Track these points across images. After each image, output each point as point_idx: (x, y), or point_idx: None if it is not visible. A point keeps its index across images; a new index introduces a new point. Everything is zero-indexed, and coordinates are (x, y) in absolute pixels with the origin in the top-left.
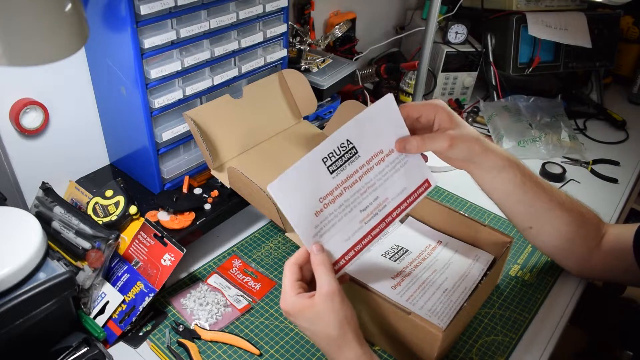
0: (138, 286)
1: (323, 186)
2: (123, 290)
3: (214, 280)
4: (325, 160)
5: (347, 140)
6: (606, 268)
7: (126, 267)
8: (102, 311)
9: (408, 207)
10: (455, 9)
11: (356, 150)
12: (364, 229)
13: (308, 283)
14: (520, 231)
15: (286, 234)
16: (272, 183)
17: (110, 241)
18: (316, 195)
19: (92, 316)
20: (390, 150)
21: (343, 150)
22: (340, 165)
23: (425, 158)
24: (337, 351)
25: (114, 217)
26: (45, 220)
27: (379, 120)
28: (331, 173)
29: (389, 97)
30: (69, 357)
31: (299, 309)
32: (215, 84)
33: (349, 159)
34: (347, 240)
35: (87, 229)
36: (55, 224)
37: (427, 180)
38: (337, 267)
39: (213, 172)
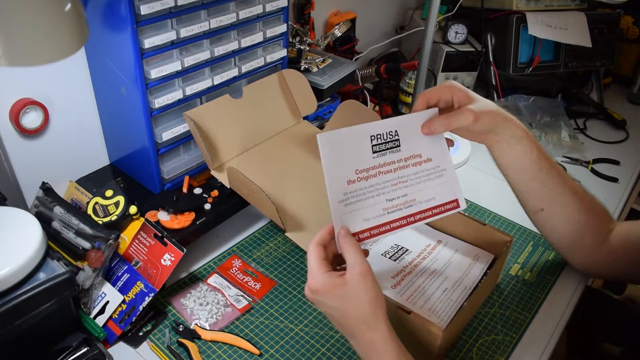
0: (138, 286)
1: (363, 160)
2: (123, 290)
3: (214, 280)
4: (372, 138)
5: (395, 131)
6: (611, 263)
7: (126, 267)
8: (102, 311)
9: (432, 217)
10: (455, 8)
11: (399, 143)
12: (385, 217)
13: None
14: (531, 215)
15: (286, 234)
16: (323, 133)
17: (110, 241)
18: (354, 165)
19: (92, 316)
20: (428, 159)
21: (389, 138)
22: (383, 150)
23: (451, 142)
24: (365, 330)
25: (114, 217)
26: (45, 220)
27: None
28: (373, 152)
29: (436, 110)
30: (69, 357)
31: (330, 286)
32: (215, 84)
33: (391, 147)
34: (367, 220)
35: (87, 229)
36: (55, 224)
37: (456, 200)
38: None
39: (213, 172)
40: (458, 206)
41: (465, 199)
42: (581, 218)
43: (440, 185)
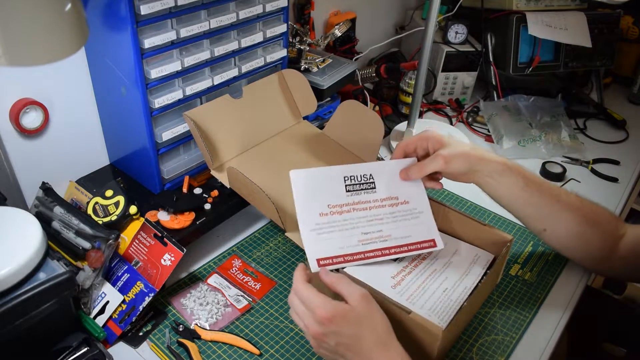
0: (138, 286)
1: (336, 197)
2: (123, 290)
3: (214, 280)
4: (346, 178)
5: (370, 175)
6: (625, 268)
7: (126, 267)
8: (102, 311)
9: (408, 252)
10: (455, 8)
11: (374, 186)
12: (359, 247)
13: None
14: (536, 235)
15: (286, 234)
16: (296, 170)
17: (110, 241)
18: (327, 200)
19: (92, 316)
20: (405, 201)
21: (364, 180)
22: (357, 190)
23: (440, 185)
24: (382, 352)
25: (114, 217)
26: (45, 220)
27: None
28: (347, 191)
29: (413, 159)
30: (69, 357)
31: (342, 313)
32: (215, 84)
33: (366, 188)
34: (341, 248)
35: (87, 229)
36: (55, 224)
37: (433, 240)
38: (323, 263)
39: (213, 172)
40: (435, 245)
41: (465, 198)
42: (584, 230)
43: (416, 225)
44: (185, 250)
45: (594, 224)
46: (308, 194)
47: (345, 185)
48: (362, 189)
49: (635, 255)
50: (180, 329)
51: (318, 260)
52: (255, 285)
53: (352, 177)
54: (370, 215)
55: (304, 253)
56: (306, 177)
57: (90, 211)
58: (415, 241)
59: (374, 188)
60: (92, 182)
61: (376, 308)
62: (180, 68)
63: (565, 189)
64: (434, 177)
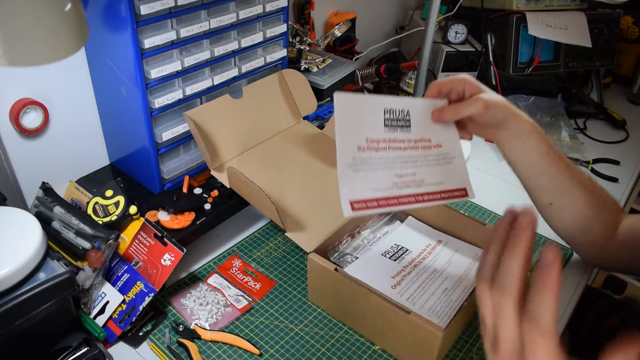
0: (138, 286)
1: (374, 130)
2: (123, 290)
3: (214, 280)
4: (386, 111)
5: (407, 111)
6: (618, 256)
7: (126, 267)
8: (102, 311)
9: (440, 200)
10: (455, 8)
11: (410, 124)
12: (394, 191)
13: None
14: (540, 210)
15: (286, 234)
16: (341, 93)
17: (110, 241)
18: (366, 133)
19: (92, 316)
20: (438, 144)
21: (401, 115)
22: (394, 125)
23: (471, 136)
24: None
25: (114, 217)
26: (45, 220)
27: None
28: (385, 125)
29: (445, 101)
30: (69, 357)
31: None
32: (215, 84)
33: (402, 126)
34: (375, 190)
35: (87, 229)
36: (55, 224)
37: (465, 189)
38: (357, 207)
39: (213, 172)
40: (466, 195)
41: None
42: (590, 213)
43: (449, 171)
44: (185, 250)
45: (600, 208)
46: (350, 122)
47: (384, 119)
48: (398, 125)
49: (629, 245)
50: (180, 329)
51: (352, 203)
52: (255, 285)
53: (392, 111)
54: (404, 156)
55: (302, 250)
56: (350, 103)
57: (90, 211)
58: (448, 189)
59: (409, 127)
60: (92, 182)
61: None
62: (180, 68)
63: (580, 168)
64: (462, 125)
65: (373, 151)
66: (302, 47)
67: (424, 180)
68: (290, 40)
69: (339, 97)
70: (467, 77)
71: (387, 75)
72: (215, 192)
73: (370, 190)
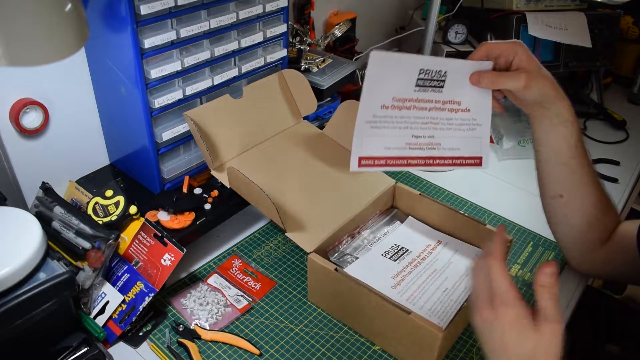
0: (138, 286)
1: (404, 90)
2: (123, 290)
3: (214, 280)
4: (421, 71)
5: (445, 72)
6: (607, 263)
7: (126, 267)
8: (102, 311)
9: (451, 166)
10: (455, 8)
11: (443, 85)
12: (406, 151)
13: None
14: (547, 200)
15: (286, 234)
16: (379, 52)
17: (110, 241)
18: (393, 92)
19: (92, 316)
20: (466, 109)
21: (437, 76)
22: (426, 86)
23: (501, 108)
24: None
25: (114, 217)
26: (45, 220)
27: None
28: (416, 86)
29: (490, 64)
30: (69, 357)
31: (522, 324)
32: (215, 84)
33: (434, 86)
34: (387, 149)
35: (87, 229)
36: (55, 224)
37: (480, 158)
38: (365, 163)
39: (213, 172)
40: (480, 164)
41: (465, 199)
42: (594, 213)
43: (469, 138)
44: (185, 250)
45: (605, 212)
46: (380, 81)
47: (418, 79)
48: (431, 86)
49: (618, 249)
50: (180, 329)
51: (360, 159)
52: (255, 285)
53: (427, 71)
54: (427, 116)
55: (302, 250)
56: (384, 62)
57: (90, 211)
58: (462, 156)
59: (442, 87)
60: (92, 182)
61: (558, 344)
62: (180, 68)
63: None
64: (497, 95)
65: (396, 110)
66: (302, 47)
67: (440, 144)
68: (290, 40)
69: (374, 56)
70: (520, 44)
71: None
72: (215, 192)
73: (382, 149)
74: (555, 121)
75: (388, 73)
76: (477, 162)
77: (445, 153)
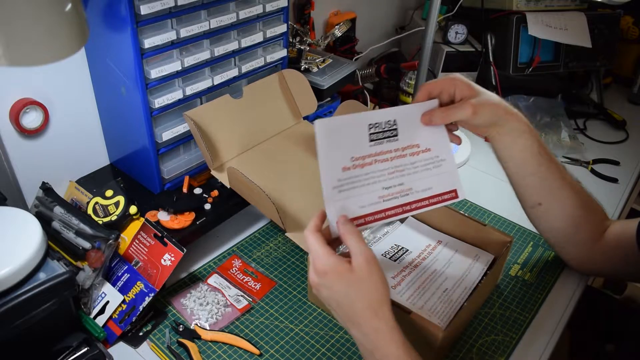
0: (138, 286)
1: (359, 148)
2: (123, 290)
3: (214, 280)
4: (370, 126)
5: (394, 120)
6: (605, 261)
7: (126, 267)
8: (102, 311)
9: (428, 207)
10: (455, 9)
11: (397, 133)
12: (380, 205)
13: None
14: (528, 210)
15: (286, 234)
16: (321, 119)
17: (110, 241)
18: (350, 152)
19: (92, 316)
20: (427, 149)
21: (388, 127)
22: (380, 139)
23: (459, 140)
24: (371, 318)
25: (114, 217)
26: (45, 220)
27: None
28: (370, 141)
29: (436, 101)
30: (69, 357)
31: (339, 271)
32: (215, 84)
33: (388, 137)
34: (362, 207)
35: (87, 229)
36: (55, 224)
37: (455, 191)
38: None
39: (213, 172)
40: (456, 197)
41: (465, 199)
42: (578, 214)
43: (438, 175)
44: (185, 250)
45: (588, 210)
46: (333, 147)
47: (370, 134)
48: (385, 137)
49: (616, 248)
50: (180, 329)
51: (338, 225)
52: (255, 285)
53: (377, 125)
54: (391, 167)
55: (302, 250)
56: (331, 128)
57: (90, 211)
58: (437, 193)
59: (397, 136)
60: (92, 182)
61: (376, 274)
62: (180, 68)
63: (569, 170)
64: (451, 127)
65: (359, 168)
66: (302, 47)
67: (412, 189)
68: (291, 40)
69: (319, 125)
70: (458, 77)
71: (387, 75)
72: (215, 192)
73: (357, 208)
74: (514, 135)
75: (338, 137)
76: (452, 195)
77: (420, 195)
